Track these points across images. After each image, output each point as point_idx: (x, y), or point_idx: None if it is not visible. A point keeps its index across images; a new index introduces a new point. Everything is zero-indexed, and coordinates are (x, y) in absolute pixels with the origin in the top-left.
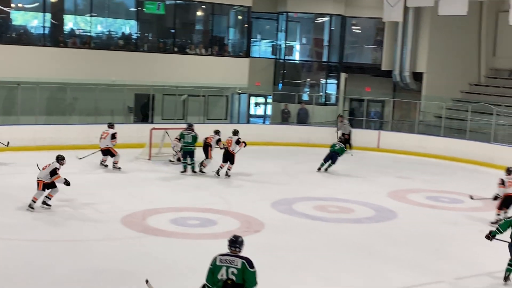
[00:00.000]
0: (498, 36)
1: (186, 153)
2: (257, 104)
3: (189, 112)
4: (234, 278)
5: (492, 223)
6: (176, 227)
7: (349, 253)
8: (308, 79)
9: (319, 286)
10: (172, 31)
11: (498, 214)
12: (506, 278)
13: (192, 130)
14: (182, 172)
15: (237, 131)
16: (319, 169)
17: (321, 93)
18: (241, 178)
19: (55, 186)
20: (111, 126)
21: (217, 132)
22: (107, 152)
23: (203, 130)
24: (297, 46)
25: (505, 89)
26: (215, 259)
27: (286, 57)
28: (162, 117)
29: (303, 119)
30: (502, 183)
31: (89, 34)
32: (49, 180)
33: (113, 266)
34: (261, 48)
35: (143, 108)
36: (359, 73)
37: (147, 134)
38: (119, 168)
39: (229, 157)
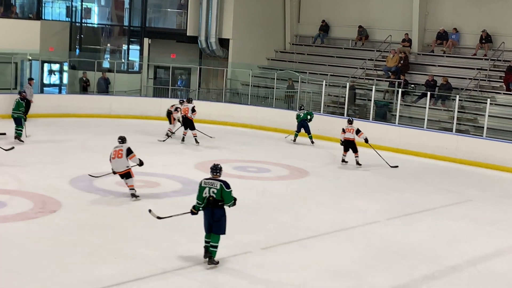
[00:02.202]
0: (302, 2)
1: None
2: (51, 72)
3: None
4: (214, 195)
5: (342, 161)
6: None
7: (154, 229)
8: (109, 45)
9: (120, 265)
10: None
11: (344, 155)
12: None
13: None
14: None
15: (191, 99)
16: (294, 140)
17: (123, 60)
18: (35, 154)
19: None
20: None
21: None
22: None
23: None
24: (96, 8)
25: (309, 56)
26: (201, 182)
27: (84, 20)
28: None
29: (103, 88)
30: (343, 130)
31: None
32: (126, 168)
33: None
34: (54, 9)
35: None
36: (163, 38)
37: None
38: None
39: (188, 123)
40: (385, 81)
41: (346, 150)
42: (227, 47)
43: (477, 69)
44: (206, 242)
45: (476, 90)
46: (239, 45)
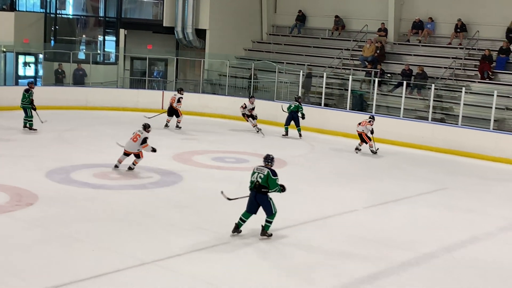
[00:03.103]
0: None
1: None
2: (26, 64)
3: None
4: (260, 181)
5: (356, 149)
6: None
7: (131, 221)
8: (84, 36)
9: (98, 257)
10: None
11: (359, 145)
12: None
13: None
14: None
15: (182, 89)
16: (284, 135)
17: (98, 51)
18: (10, 147)
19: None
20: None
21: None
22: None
23: None
24: None
25: (286, 46)
26: (254, 168)
27: (58, 11)
28: None
29: (79, 80)
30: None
31: None
32: (137, 151)
33: None
34: (29, 0)
35: None
36: (139, 29)
37: None
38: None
39: (173, 112)
40: (362, 70)
41: (362, 141)
42: (204, 38)
43: (452, 58)
44: (240, 219)
45: (452, 79)
46: (216, 35)
